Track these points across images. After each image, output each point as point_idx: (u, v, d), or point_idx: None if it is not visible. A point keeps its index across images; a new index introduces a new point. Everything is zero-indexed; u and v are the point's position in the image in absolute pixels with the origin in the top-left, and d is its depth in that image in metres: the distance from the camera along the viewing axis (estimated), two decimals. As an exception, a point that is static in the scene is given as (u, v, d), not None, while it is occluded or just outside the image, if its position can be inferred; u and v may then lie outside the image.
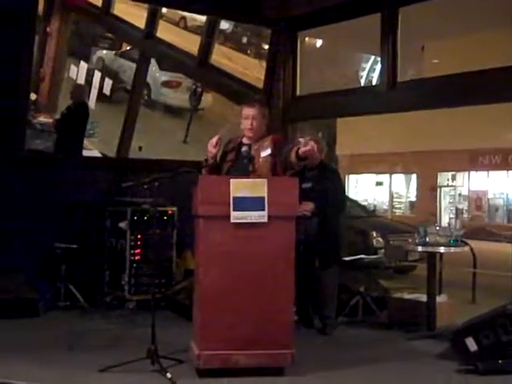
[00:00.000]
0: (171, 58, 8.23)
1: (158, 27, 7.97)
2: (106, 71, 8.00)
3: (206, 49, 8.20)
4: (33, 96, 7.24)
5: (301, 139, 7.96)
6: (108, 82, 8.01)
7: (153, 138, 8.14)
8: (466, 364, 4.53)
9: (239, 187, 4.28)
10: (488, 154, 23.21)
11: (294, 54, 8.34)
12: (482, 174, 24.02)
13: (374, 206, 23.37)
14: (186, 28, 8.48)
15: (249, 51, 8.88)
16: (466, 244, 6.53)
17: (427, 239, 6.00)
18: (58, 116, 7.58)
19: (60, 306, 6.49)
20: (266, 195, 4.28)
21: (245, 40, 8.91)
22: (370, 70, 19.05)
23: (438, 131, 20.47)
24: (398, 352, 5.21)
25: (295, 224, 4.44)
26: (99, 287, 6.94)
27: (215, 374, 4.24)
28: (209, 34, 8.18)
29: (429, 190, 24.56)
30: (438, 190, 24.89)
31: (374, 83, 16.90)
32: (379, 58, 7.98)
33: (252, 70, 8.62)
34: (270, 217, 4.28)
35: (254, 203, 4.27)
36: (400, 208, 26.82)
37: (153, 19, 7.88)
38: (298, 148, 4.54)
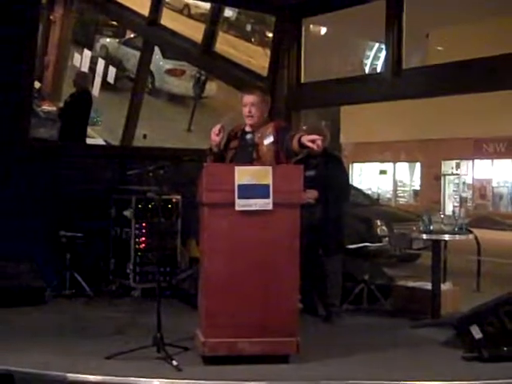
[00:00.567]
0: (175, 45, 8.20)
1: (162, 15, 7.94)
2: (110, 59, 7.98)
3: (209, 36, 8.16)
4: (37, 84, 7.23)
5: (304, 127, 7.98)
6: (112, 70, 7.99)
7: (157, 126, 8.13)
8: (470, 351, 4.53)
9: (244, 175, 4.27)
10: (492, 142, 23.17)
11: (298, 41, 8.30)
12: (487, 162, 23.98)
13: (378, 194, 23.38)
14: (189, 16, 8.44)
15: (253, 39, 8.84)
16: (471, 232, 6.53)
17: (432, 227, 5.99)
18: (61, 104, 7.58)
19: (66, 294, 6.52)
20: (270, 183, 4.27)
21: (249, 28, 8.87)
22: (375, 58, 18.98)
23: (442, 119, 20.44)
24: (402, 340, 5.21)
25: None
26: (104, 275, 6.97)
27: (220, 361, 4.25)
28: (213, 22, 8.15)
29: (433, 179, 24.52)
30: (442, 178, 24.85)
31: (378, 71, 16.85)
32: (383, 46, 7.95)
33: (256, 57, 8.58)
34: (274, 204, 4.28)
35: (259, 191, 4.26)
36: (404, 196, 26.81)
37: (157, 7, 7.84)
38: (301, 136, 4.48)
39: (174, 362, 4.21)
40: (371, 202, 12.66)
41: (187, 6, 8.37)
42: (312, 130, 5.85)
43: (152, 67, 8.14)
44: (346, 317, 5.96)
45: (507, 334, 4.52)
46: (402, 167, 27.05)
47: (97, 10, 7.88)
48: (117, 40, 8.23)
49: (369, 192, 19.72)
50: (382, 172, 27.38)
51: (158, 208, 6.43)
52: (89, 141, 7.68)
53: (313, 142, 4.35)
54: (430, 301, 5.86)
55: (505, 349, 4.46)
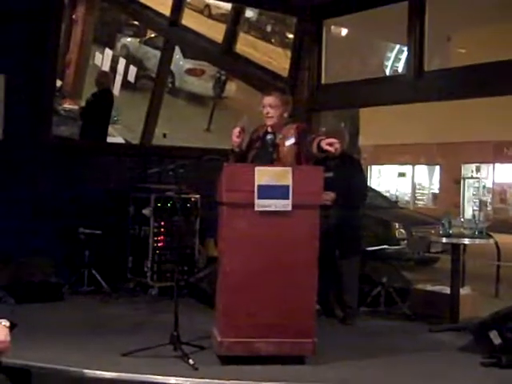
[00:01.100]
0: (196, 45, 8.23)
1: (183, 15, 7.97)
2: (131, 58, 8.03)
3: (230, 37, 8.18)
4: (58, 82, 7.28)
5: (323, 129, 7.95)
6: (132, 69, 8.05)
7: (176, 125, 8.16)
8: (489, 357, 4.49)
9: (264, 175, 4.27)
10: (513, 146, 22.93)
11: (319, 42, 8.27)
12: (507, 166, 23.73)
13: (397, 197, 23.26)
14: (210, 16, 8.47)
15: (273, 40, 8.85)
16: (491, 236, 6.47)
17: (451, 231, 5.95)
18: (82, 102, 7.63)
19: (83, 291, 6.56)
20: (290, 184, 4.27)
21: (269, 28, 8.88)
22: (395, 60, 18.87)
23: (462, 122, 20.26)
24: (419, 343, 5.18)
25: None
26: (122, 273, 7.00)
27: (237, 361, 4.25)
28: (234, 22, 8.16)
29: (453, 182, 24.33)
30: (462, 181, 24.65)
31: (399, 73, 16.75)
32: (404, 48, 7.91)
33: (276, 58, 8.59)
34: (294, 205, 4.27)
35: (279, 191, 4.26)
36: (422, 200, 26.61)
37: (178, 7, 7.87)
38: (320, 140, 4.47)
39: (191, 361, 4.21)
40: (390, 204, 12.62)
41: (208, 6, 8.40)
42: (331, 133, 5.84)
43: (172, 67, 8.18)
44: (363, 319, 5.93)
45: (526, 340, 4.47)
46: (421, 170, 26.87)
47: (118, 10, 7.93)
48: (138, 39, 8.28)
49: (387, 194, 19.64)
50: (401, 174, 27.23)
51: (176, 207, 6.44)
52: (109, 139, 7.73)
53: (331, 145, 4.34)
54: (449, 305, 5.81)
55: (524, 355, 4.41)
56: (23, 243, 6.28)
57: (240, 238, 4.29)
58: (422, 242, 9.22)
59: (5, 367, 3.11)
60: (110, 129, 7.77)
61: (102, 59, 7.89)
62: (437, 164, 25.46)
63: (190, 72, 8.51)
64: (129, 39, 8.31)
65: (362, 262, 6.45)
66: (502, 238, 8.97)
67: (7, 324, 3.03)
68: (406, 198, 26.28)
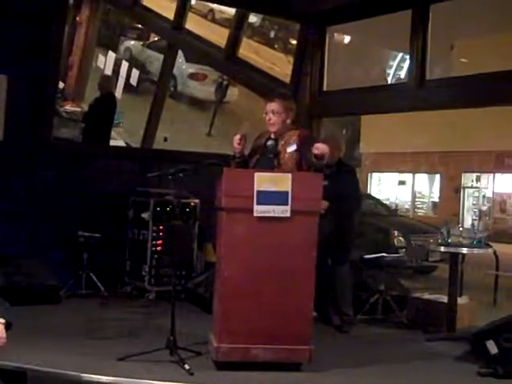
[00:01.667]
0: (198, 50, 8.24)
1: (187, 19, 7.98)
2: (134, 62, 8.05)
3: (233, 42, 8.19)
4: (60, 84, 7.29)
5: (321, 137, 7.95)
6: (135, 73, 8.07)
7: (177, 129, 8.17)
8: (485, 367, 4.47)
9: (263, 181, 4.27)
10: (514, 156, 22.93)
11: (321, 49, 8.28)
12: (508, 176, 23.73)
13: (396, 205, 23.25)
14: (213, 20, 8.49)
15: (276, 45, 8.86)
16: (489, 246, 6.46)
17: (450, 240, 5.94)
18: (85, 105, 7.64)
19: (81, 294, 6.54)
20: (289, 190, 4.27)
21: (272, 34, 8.89)
22: (397, 68, 18.90)
23: (463, 131, 20.28)
24: (416, 352, 5.16)
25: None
26: (120, 277, 6.99)
27: (233, 367, 4.24)
28: (237, 27, 8.17)
29: (453, 191, 24.33)
30: (462, 191, 24.65)
31: (401, 81, 16.78)
32: (407, 56, 7.92)
33: (279, 64, 8.60)
34: (293, 212, 4.27)
35: (278, 197, 4.26)
36: (422, 208, 26.61)
37: (182, 11, 7.89)
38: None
39: (187, 366, 4.20)
40: (389, 212, 12.61)
41: (212, 11, 8.42)
42: (327, 141, 5.86)
43: (175, 71, 8.20)
44: (361, 327, 5.92)
45: (524, 351, 4.46)
46: (422, 178, 26.88)
47: (122, 13, 7.95)
48: (141, 43, 8.29)
49: (387, 202, 19.63)
50: (401, 182, 27.23)
51: (175, 211, 6.43)
52: (111, 142, 7.73)
53: (317, 148, 4.34)
54: (446, 314, 5.81)
55: (521, 365, 4.40)
56: (21, 245, 6.27)
57: (238, 244, 4.29)
58: (420, 250, 9.21)
59: (0, 369, 3.11)
60: (112, 132, 7.77)
61: (105, 62, 7.91)
62: (437, 173, 25.47)
63: (192, 76, 8.53)
64: (132, 42, 8.33)
65: (360, 270, 6.46)
66: (501, 248, 8.97)
67: (2, 321, 3.07)
68: (406, 206, 26.28)
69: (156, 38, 8.41)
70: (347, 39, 11.32)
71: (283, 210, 4.26)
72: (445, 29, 9.43)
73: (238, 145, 4.63)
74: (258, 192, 4.25)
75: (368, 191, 24.10)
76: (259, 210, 4.25)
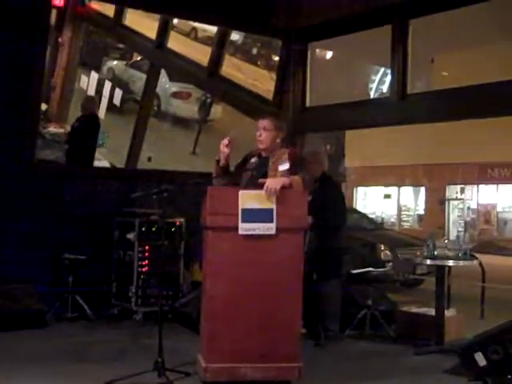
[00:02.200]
0: (181, 68, 8.25)
1: (169, 38, 8.00)
2: (117, 81, 8.03)
3: (216, 60, 8.21)
4: (43, 106, 7.26)
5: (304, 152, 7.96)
6: (118, 93, 8.04)
7: (161, 148, 8.15)
8: (474, 379, 4.48)
9: (248, 199, 4.27)
10: (497, 167, 23.13)
11: (304, 65, 8.33)
12: (491, 187, 23.92)
13: (382, 218, 23.32)
14: (196, 39, 8.51)
15: (259, 62, 8.90)
16: (475, 258, 6.49)
17: (436, 252, 5.96)
18: (68, 126, 7.60)
19: (67, 317, 6.48)
20: (274, 207, 4.27)
21: (255, 51, 8.93)
22: (380, 82, 19.03)
23: (446, 144, 20.43)
24: (405, 366, 5.17)
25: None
26: (106, 299, 6.93)
27: (222, 386, 4.21)
28: (219, 45, 8.20)
29: (437, 203, 24.46)
30: (447, 203, 24.79)
31: (383, 95, 16.90)
32: (389, 71, 7.98)
33: (262, 81, 8.63)
34: (278, 229, 4.27)
35: (263, 215, 4.26)
36: (408, 221, 26.71)
37: (164, 30, 7.90)
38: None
39: (175, 387, 4.17)
40: (375, 226, 12.63)
41: (194, 29, 8.44)
42: (309, 156, 5.89)
43: (158, 90, 8.19)
44: (349, 342, 5.91)
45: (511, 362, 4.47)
46: (407, 191, 27.00)
47: (105, 33, 7.95)
48: (124, 62, 8.28)
49: (373, 216, 19.68)
50: (387, 196, 27.33)
51: (161, 231, 6.41)
52: (95, 163, 7.69)
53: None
54: (434, 327, 5.81)
55: (509, 376, 4.41)
56: (6, 269, 6.20)
57: (224, 262, 4.28)
58: (407, 263, 9.22)
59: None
60: (96, 153, 7.74)
61: (88, 82, 7.89)
62: (422, 185, 25.61)
63: (175, 95, 8.53)
64: (115, 62, 8.31)
65: (348, 285, 6.45)
66: (487, 259, 9.00)
67: None
68: (392, 220, 26.36)
69: (139, 58, 8.41)
70: (329, 55, 11.38)
71: (268, 228, 4.26)
72: (425, 43, 9.51)
73: (226, 147, 4.62)
74: (243, 210, 4.25)
75: (354, 205, 24.16)
76: (244, 227, 4.25)
